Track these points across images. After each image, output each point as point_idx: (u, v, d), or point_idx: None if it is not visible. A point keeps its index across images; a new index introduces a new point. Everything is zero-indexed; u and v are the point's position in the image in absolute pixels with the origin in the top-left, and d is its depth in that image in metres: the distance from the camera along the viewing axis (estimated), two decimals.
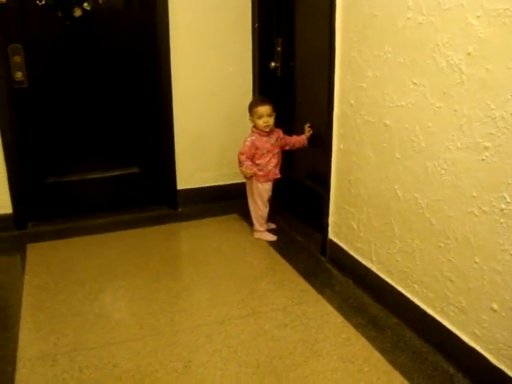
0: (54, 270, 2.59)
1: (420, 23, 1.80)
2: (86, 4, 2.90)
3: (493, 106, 1.54)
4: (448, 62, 1.69)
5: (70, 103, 3.08)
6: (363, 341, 1.99)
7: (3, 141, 2.89)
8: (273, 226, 3.04)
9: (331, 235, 2.62)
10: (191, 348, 1.96)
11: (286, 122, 3.10)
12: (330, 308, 2.22)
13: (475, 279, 1.70)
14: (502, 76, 1.50)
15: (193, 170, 3.38)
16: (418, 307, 1.99)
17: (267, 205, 2.92)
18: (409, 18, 1.85)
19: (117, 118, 3.21)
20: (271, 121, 2.79)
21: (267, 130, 2.79)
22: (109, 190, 3.31)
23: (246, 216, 3.05)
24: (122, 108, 3.20)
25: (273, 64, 3.17)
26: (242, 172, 2.86)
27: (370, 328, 2.07)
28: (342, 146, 2.42)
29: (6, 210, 3.02)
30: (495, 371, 1.64)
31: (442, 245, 1.84)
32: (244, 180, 2.96)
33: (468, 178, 1.68)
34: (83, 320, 2.15)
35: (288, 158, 3.06)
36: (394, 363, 1.85)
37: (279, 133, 2.90)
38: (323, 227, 2.65)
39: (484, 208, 1.63)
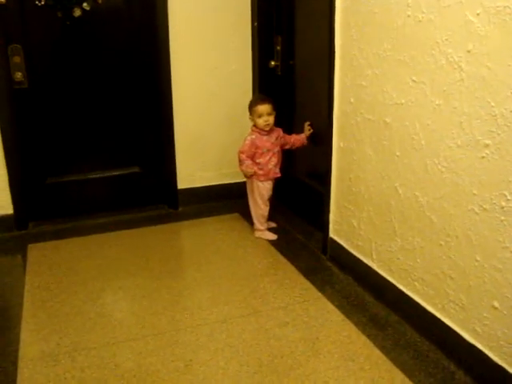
0: (55, 270, 2.60)
1: (419, 21, 1.80)
2: (85, 4, 2.90)
3: (493, 104, 1.54)
4: (448, 59, 1.69)
5: (70, 103, 3.08)
6: (364, 339, 1.99)
7: (3, 141, 2.90)
8: (273, 224, 3.04)
9: (332, 233, 2.62)
10: (193, 347, 1.97)
11: (285, 120, 3.10)
12: (330, 306, 2.22)
13: (476, 277, 1.70)
14: (502, 73, 1.49)
15: (193, 169, 3.38)
16: (418, 305, 2.00)
17: (267, 204, 2.92)
18: (408, 16, 1.85)
19: (117, 118, 3.21)
20: (271, 119, 2.78)
21: (267, 128, 2.79)
22: (109, 190, 3.32)
23: (247, 215, 3.05)
24: (122, 107, 3.20)
25: (273, 63, 3.17)
26: (242, 171, 2.86)
27: (370, 326, 2.08)
28: (342, 145, 2.42)
29: (6, 211, 3.02)
30: (496, 368, 1.65)
31: (442, 242, 1.84)
32: (244, 179, 2.96)
33: (468, 175, 1.68)
34: (84, 320, 2.16)
35: (288, 156, 3.05)
36: (395, 361, 1.85)
37: (279, 132, 2.90)
38: (324, 225, 2.65)
39: (484, 206, 1.63)
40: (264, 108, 2.76)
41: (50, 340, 2.02)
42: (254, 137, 2.81)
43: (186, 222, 3.22)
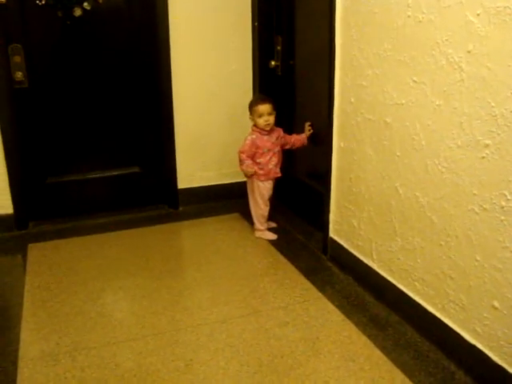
0: (55, 269, 2.60)
1: (420, 21, 1.80)
2: (86, 4, 2.90)
3: (493, 104, 1.54)
4: (448, 59, 1.69)
5: (70, 103, 3.08)
6: (364, 339, 1.99)
7: (3, 141, 2.90)
8: (273, 224, 3.04)
9: (332, 233, 2.62)
10: (193, 347, 1.97)
11: (286, 120, 3.10)
12: (331, 306, 2.22)
13: (476, 277, 1.70)
14: (502, 73, 1.50)
15: (193, 169, 3.38)
16: (419, 305, 2.00)
17: (268, 204, 2.92)
18: (408, 16, 1.85)
19: (117, 118, 3.21)
20: (272, 119, 2.78)
21: (268, 128, 2.79)
22: (109, 190, 3.32)
23: (247, 215, 3.06)
24: (122, 107, 3.20)
25: (273, 63, 3.17)
26: (242, 171, 2.86)
27: (371, 326, 2.08)
28: (342, 145, 2.42)
29: (6, 210, 3.02)
30: (496, 368, 1.65)
31: (442, 243, 1.84)
32: (244, 179, 2.96)
33: (468, 175, 1.68)
34: (85, 319, 2.16)
35: (289, 156, 3.05)
36: (395, 361, 1.85)
37: (279, 132, 2.90)
38: (324, 225, 2.65)
39: (484, 205, 1.63)
40: (264, 108, 2.76)
41: (50, 340, 2.02)
42: (254, 136, 2.81)
43: (186, 222, 3.22)
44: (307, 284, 2.41)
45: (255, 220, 2.95)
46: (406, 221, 2.02)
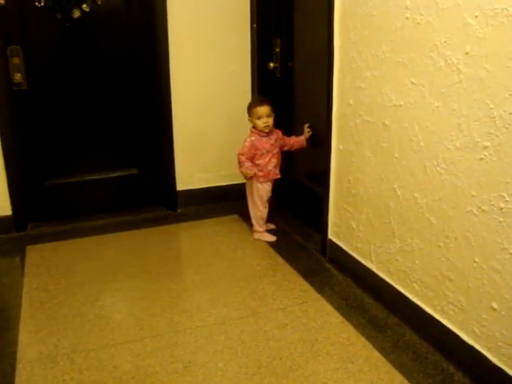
0: (53, 271, 2.59)
1: (418, 23, 1.80)
2: (84, 5, 2.91)
3: (491, 106, 1.54)
4: (446, 61, 1.70)
5: (69, 105, 3.08)
6: (363, 340, 1.99)
7: (2, 143, 2.89)
8: (272, 226, 3.04)
9: (331, 235, 2.62)
10: (191, 349, 1.96)
11: (285, 122, 3.10)
12: (329, 308, 2.22)
13: (475, 278, 1.70)
14: (501, 75, 1.50)
15: (192, 170, 3.38)
16: (417, 306, 2.00)
17: (266, 205, 2.92)
18: (407, 18, 1.85)
19: (116, 120, 3.21)
20: (270, 121, 2.79)
21: (267, 130, 2.79)
22: (108, 192, 3.31)
23: (246, 217, 3.05)
24: (120, 109, 3.20)
25: (272, 64, 3.17)
26: (241, 173, 2.86)
27: (370, 328, 2.07)
28: (341, 147, 2.42)
29: (5, 212, 3.01)
30: (495, 370, 1.65)
31: (441, 244, 1.84)
32: (243, 181, 2.96)
33: (467, 177, 1.68)
34: (83, 321, 2.15)
35: (288, 158, 3.06)
36: (394, 363, 1.85)
37: (278, 133, 2.90)
38: (323, 227, 2.65)
39: (483, 207, 1.63)
40: (263, 110, 2.76)
41: (48, 342, 2.02)
42: (253, 138, 2.81)
43: (184, 224, 3.22)
44: (306, 285, 2.41)
45: (254, 222, 2.95)
46: (405, 222, 2.03)
